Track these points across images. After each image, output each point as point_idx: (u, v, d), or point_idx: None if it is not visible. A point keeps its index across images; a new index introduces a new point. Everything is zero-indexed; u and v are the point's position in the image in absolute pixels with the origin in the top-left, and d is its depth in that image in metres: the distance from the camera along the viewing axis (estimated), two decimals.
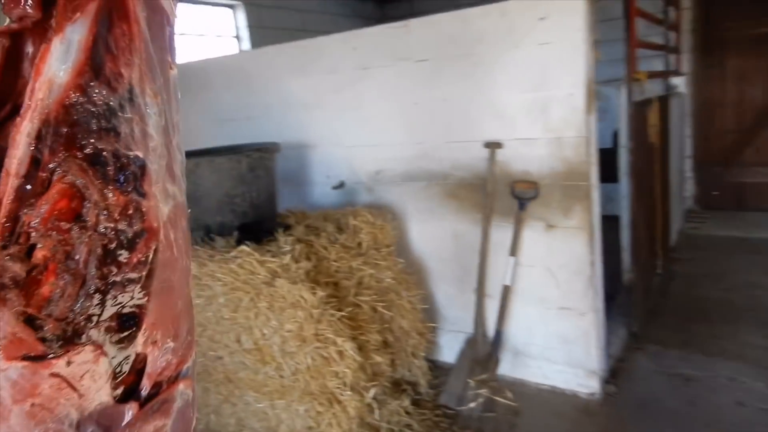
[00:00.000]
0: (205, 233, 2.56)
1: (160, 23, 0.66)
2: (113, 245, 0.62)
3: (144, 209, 0.63)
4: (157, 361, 0.66)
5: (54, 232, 0.60)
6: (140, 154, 0.63)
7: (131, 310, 0.63)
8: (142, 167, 0.64)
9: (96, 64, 0.61)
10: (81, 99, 0.61)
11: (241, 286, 2.15)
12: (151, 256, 0.64)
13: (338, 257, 2.41)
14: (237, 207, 2.57)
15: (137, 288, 0.64)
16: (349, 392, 2.07)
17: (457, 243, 2.86)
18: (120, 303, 0.63)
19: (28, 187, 0.59)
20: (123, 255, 0.63)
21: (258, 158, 2.60)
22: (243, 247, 2.20)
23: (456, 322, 2.92)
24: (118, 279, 0.63)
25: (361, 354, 2.11)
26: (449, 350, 2.92)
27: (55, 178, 0.62)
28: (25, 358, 0.58)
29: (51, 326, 0.59)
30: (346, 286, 2.37)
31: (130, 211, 0.62)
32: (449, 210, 2.86)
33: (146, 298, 0.64)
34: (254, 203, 2.61)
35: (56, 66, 0.59)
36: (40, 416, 0.60)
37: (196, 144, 3.15)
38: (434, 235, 2.92)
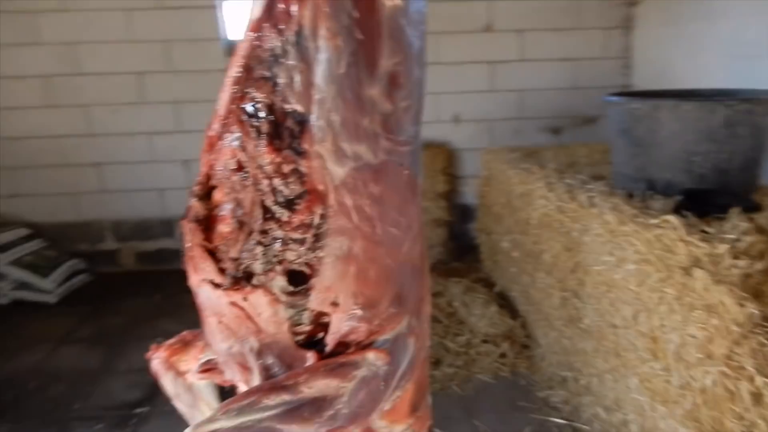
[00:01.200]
0: (646, 187, 2.25)
1: None
2: (270, 202, 0.61)
3: (303, 169, 0.58)
4: (342, 324, 0.66)
5: (225, 178, 0.63)
6: (300, 108, 0.56)
7: (300, 268, 0.64)
8: (301, 123, 0.57)
9: (272, 1, 0.54)
10: (255, 43, 0.56)
11: (653, 260, 1.83)
12: (317, 220, 0.60)
13: None
14: (694, 167, 2.13)
15: (303, 249, 0.62)
16: None
17: None
18: (285, 259, 0.63)
19: (220, 130, 0.63)
20: (282, 214, 0.61)
21: (743, 111, 2.03)
22: (669, 218, 1.83)
23: None
24: (280, 235, 0.62)
25: None
26: None
27: (226, 127, 0.62)
28: (211, 282, 0.67)
29: (228, 263, 0.66)
30: None
31: (285, 170, 0.58)
32: None
33: (317, 261, 0.62)
34: (719, 167, 2.10)
35: (257, 3, 0.55)
36: (227, 333, 0.69)
37: (698, 84, 2.71)
38: None
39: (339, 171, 0.59)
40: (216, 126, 0.63)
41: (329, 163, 0.58)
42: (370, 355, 0.66)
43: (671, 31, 3.73)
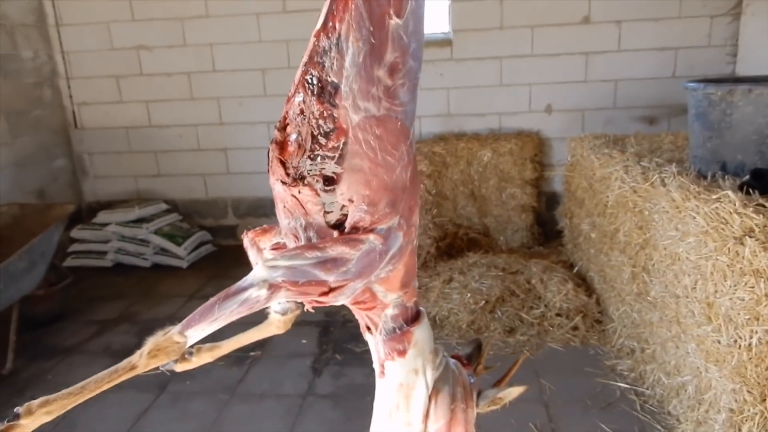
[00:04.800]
0: (719, 168, 2.34)
1: None
2: (316, 133, 1.02)
3: (335, 115, 0.99)
4: (354, 214, 1.07)
5: (293, 119, 1.00)
6: (335, 80, 0.98)
7: (331, 174, 1.03)
8: (336, 88, 0.98)
9: (326, 20, 0.98)
10: (315, 43, 1.00)
11: (710, 231, 1.95)
12: (341, 145, 1.01)
13: None
14: (765, 149, 2.19)
15: (332, 162, 1.02)
16: None
17: None
18: (323, 168, 1.03)
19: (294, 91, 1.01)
20: (322, 141, 1.02)
21: None
22: (728, 193, 1.95)
23: None
24: (320, 153, 1.03)
25: None
26: None
27: (297, 89, 1.04)
28: (281, 180, 1.04)
29: (291, 169, 1.03)
30: None
31: (325, 115, 1.00)
32: None
33: (340, 171, 1.03)
34: None
35: (319, 20, 0.99)
36: (287, 214, 1.14)
37: None
38: None
39: (355, 117, 0.99)
40: (292, 89, 1.03)
41: (350, 112, 0.99)
42: (371, 236, 1.05)
43: None
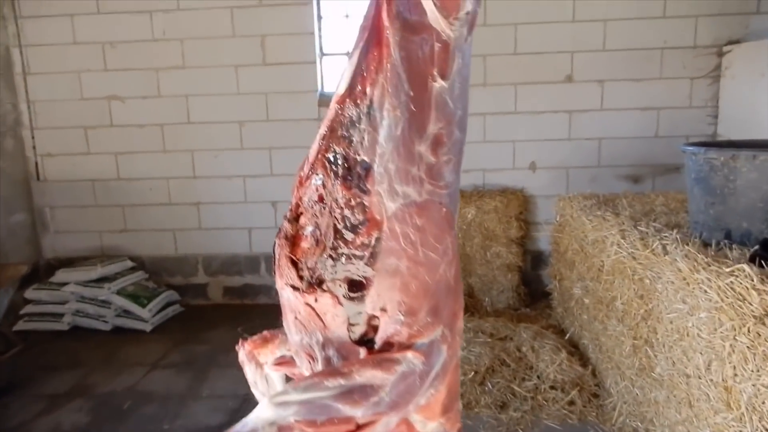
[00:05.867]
0: (723, 236, 2.22)
1: (422, 42, 0.71)
2: (341, 226, 0.79)
3: (366, 203, 0.77)
4: (388, 327, 0.82)
5: (310, 207, 0.80)
6: (366, 159, 0.77)
7: (359, 279, 0.80)
8: (367, 169, 0.78)
9: (353, 83, 0.76)
10: (338, 111, 0.78)
11: (725, 308, 1.80)
12: (373, 242, 0.78)
13: None
14: None
15: (361, 263, 0.79)
16: None
17: None
18: (348, 270, 0.80)
19: (309, 172, 0.81)
20: (348, 235, 0.78)
21: None
22: (743, 266, 1.80)
23: None
24: (345, 252, 0.80)
25: None
26: None
27: (314, 170, 0.82)
28: (292, 286, 0.83)
29: (305, 271, 0.82)
30: None
31: (353, 203, 0.77)
32: None
33: (371, 274, 0.79)
34: None
35: (342, 83, 0.76)
36: (300, 327, 0.88)
37: None
38: None
39: (391, 205, 0.78)
40: (306, 168, 0.83)
41: (385, 200, 0.77)
42: (410, 355, 0.80)
43: (758, 80, 3.63)
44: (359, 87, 0.75)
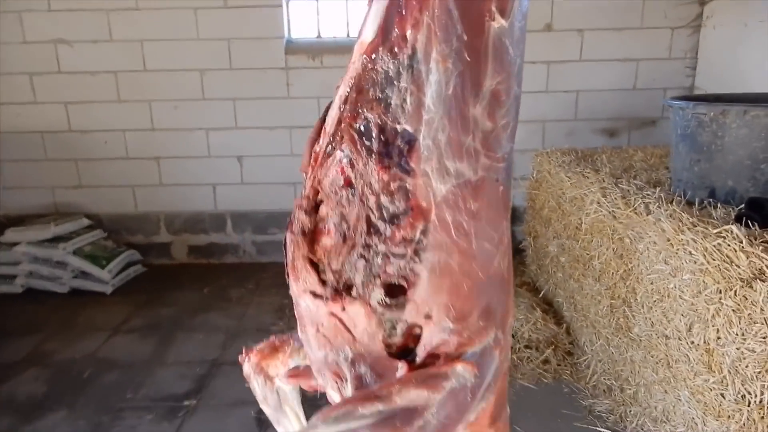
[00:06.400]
0: (707, 195, 2.15)
1: None
2: (376, 217, 0.61)
3: (409, 187, 0.59)
4: (433, 336, 0.66)
5: (333, 193, 0.63)
6: (409, 128, 0.58)
7: (399, 281, 0.64)
8: (410, 142, 0.58)
9: (387, 26, 0.56)
10: (368, 65, 0.58)
11: (710, 270, 1.73)
12: (418, 236, 0.61)
13: None
14: (761, 175, 2.01)
15: (403, 263, 0.63)
16: None
17: None
18: (386, 272, 0.63)
19: (329, 147, 0.63)
20: (386, 229, 0.61)
21: None
22: (731, 227, 1.73)
23: None
24: (382, 250, 0.63)
25: None
26: None
27: (336, 144, 0.63)
28: (312, 293, 0.67)
29: (329, 275, 0.66)
30: None
31: (392, 187, 0.59)
32: None
33: (414, 275, 0.63)
34: None
35: (369, 27, 0.57)
36: (324, 342, 0.71)
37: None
38: None
39: (441, 188, 0.60)
40: (324, 143, 0.64)
41: (433, 181, 0.60)
42: (459, 367, 0.66)
43: (741, 31, 3.53)
44: (396, 31, 0.56)
